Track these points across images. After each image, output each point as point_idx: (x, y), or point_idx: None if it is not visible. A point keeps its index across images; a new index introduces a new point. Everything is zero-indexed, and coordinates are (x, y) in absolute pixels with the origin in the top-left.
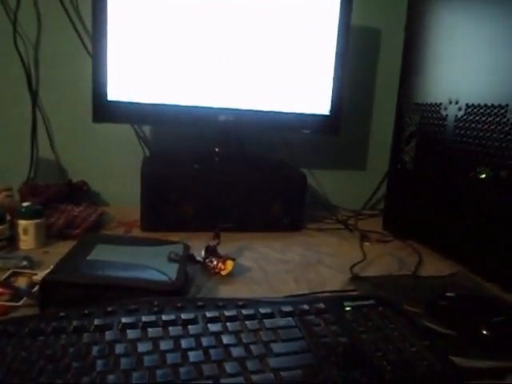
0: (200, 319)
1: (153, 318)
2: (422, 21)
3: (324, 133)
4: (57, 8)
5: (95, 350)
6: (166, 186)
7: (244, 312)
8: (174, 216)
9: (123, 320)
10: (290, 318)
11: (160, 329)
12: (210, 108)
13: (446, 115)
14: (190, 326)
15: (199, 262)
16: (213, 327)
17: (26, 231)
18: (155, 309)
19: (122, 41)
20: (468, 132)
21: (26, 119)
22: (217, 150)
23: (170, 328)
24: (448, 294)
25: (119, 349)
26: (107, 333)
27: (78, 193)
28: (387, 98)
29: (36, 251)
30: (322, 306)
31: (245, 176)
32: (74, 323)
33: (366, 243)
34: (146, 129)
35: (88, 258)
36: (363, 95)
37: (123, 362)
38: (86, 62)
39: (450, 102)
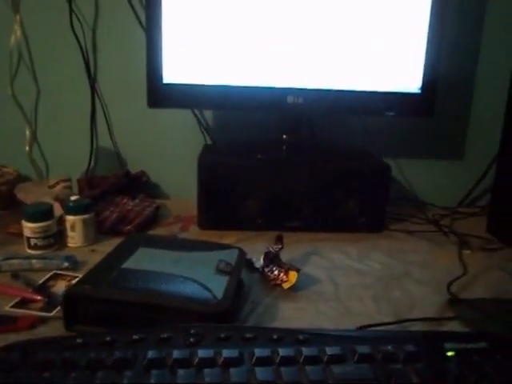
0: (246, 358)
1: (186, 353)
2: None
3: (413, 114)
4: None
5: None
6: (225, 178)
7: (305, 351)
8: (234, 213)
9: (149, 355)
10: (366, 365)
11: (193, 370)
12: (277, 88)
13: None
14: (232, 369)
15: (258, 270)
16: (261, 373)
17: (73, 227)
18: (191, 339)
19: (179, 16)
20: None
21: (84, 106)
22: (284, 137)
23: (205, 370)
24: None
25: None
26: (126, 373)
27: (137, 184)
28: (494, 65)
29: (83, 249)
30: (411, 348)
31: (315, 167)
32: (91, 355)
33: (466, 251)
34: (209, 114)
35: (124, 265)
36: (461, 65)
37: None
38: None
39: None
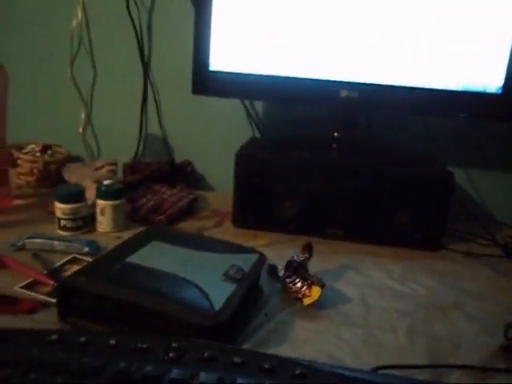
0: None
1: (160, 370)
2: None
3: (491, 118)
4: None
5: None
6: (263, 174)
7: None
8: (271, 213)
9: (119, 366)
10: None
11: None
12: (330, 81)
13: None
14: None
15: (280, 279)
16: None
17: (103, 212)
18: (171, 354)
19: (227, 4)
20: None
21: (137, 91)
22: (336, 134)
23: None
24: None
25: None
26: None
27: (181, 174)
28: None
29: (110, 235)
30: None
31: (366, 171)
32: (59, 355)
33: None
34: (259, 106)
35: (128, 259)
36: None
37: None
38: None
39: None
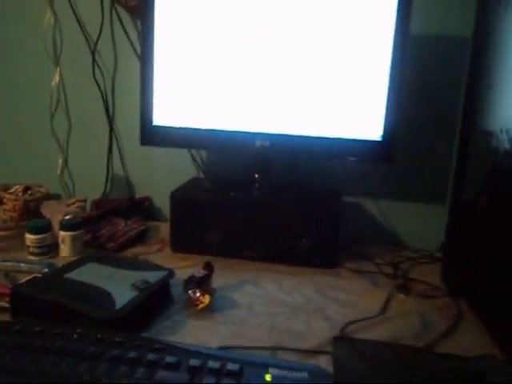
0: (104, 355)
1: (66, 344)
2: (494, 27)
3: (374, 161)
4: (126, 42)
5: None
6: (191, 210)
7: (148, 357)
8: (199, 240)
9: (47, 342)
10: (185, 374)
11: (59, 356)
12: (246, 132)
13: None
14: (85, 363)
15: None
16: (106, 366)
17: (63, 241)
18: (74, 336)
19: (167, 72)
20: None
21: (104, 141)
22: (256, 176)
23: (69, 357)
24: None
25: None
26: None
27: (140, 208)
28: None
29: (70, 259)
30: (236, 367)
31: (275, 206)
32: (23, 339)
33: (401, 295)
34: (202, 152)
35: (66, 275)
36: (422, 117)
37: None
38: None
39: None
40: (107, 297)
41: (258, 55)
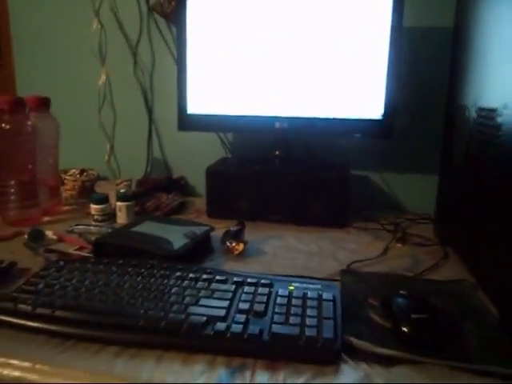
0: (171, 276)
1: (143, 270)
2: (469, 19)
3: (377, 137)
4: (162, 44)
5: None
6: (225, 183)
7: (204, 276)
8: (232, 207)
9: (129, 269)
10: (231, 286)
11: (141, 277)
12: (268, 117)
13: (501, 124)
14: (159, 279)
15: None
16: (175, 281)
17: (120, 209)
18: (148, 264)
19: (198, 68)
20: None
21: (145, 130)
22: (277, 153)
23: (146, 277)
24: (401, 292)
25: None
26: (118, 272)
27: (177, 185)
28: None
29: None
30: (268, 281)
31: (293, 177)
32: (111, 267)
33: (398, 245)
34: (229, 135)
35: (132, 229)
36: (416, 99)
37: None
38: None
39: (505, 107)
40: (166, 241)
41: (274, 51)
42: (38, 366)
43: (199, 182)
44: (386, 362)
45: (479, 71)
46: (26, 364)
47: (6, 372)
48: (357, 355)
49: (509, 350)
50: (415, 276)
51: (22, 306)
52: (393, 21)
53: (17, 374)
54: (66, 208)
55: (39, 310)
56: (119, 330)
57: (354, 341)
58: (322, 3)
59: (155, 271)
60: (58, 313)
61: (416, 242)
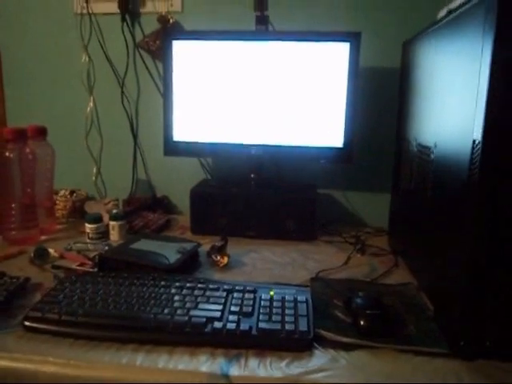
0: (172, 285)
1: (146, 281)
2: (411, 64)
3: (338, 162)
4: (147, 76)
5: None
6: (206, 202)
7: (199, 285)
8: (212, 224)
9: (135, 281)
10: (223, 293)
11: (146, 287)
12: (244, 144)
13: (433, 160)
14: (162, 289)
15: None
16: (176, 290)
17: (113, 228)
18: (150, 277)
19: (183, 101)
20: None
21: (130, 153)
22: (252, 175)
23: (151, 287)
24: (359, 294)
25: (123, 290)
26: (126, 283)
27: (160, 204)
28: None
29: (118, 242)
30: (252, 288)
31: (267, 197)
32: (118, 280)
33: (358, 255)
34: (209, 159)
35: (131, 246)
36: (371, 130)
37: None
38: None
39: (436, 146)
40: (163, 257)
41: (251, 88)
42: (72, 362)
43: (181, 201)
44: (348, 348)
45: (417, 112)
46: (62, 361)
47: (44, 369)
48: (325, 344)
49: (439, 335)
50: (371, 281)
51: (49, 315)
52: (350, 63)
53: (53, 369)
54: (60, 227)
55: (64, 318)
56: (135, 331)
57: (323, 332)
58: (291, 49)
59: (157, 282)
60: (81, 319)
61: (373, 252)
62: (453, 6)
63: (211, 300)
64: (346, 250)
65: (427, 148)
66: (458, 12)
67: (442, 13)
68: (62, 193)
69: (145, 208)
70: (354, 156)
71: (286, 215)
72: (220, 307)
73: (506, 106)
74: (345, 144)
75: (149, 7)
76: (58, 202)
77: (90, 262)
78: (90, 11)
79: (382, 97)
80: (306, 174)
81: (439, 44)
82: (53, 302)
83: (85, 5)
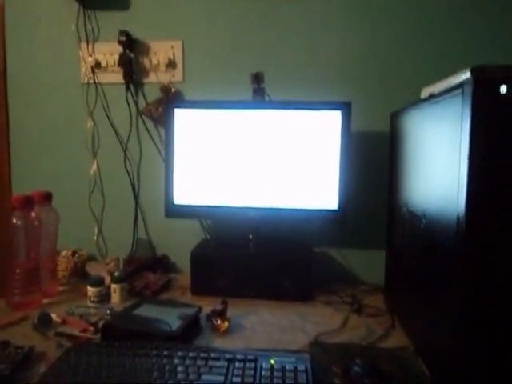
0: (174, 355)
1: (149, 351)
2: (398, 134)
3: (334, 223)
4: (149, 141)
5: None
6: (206, 264)
7: (201, 354)
8: (212, 285)
9: (138, 351)
10: (224, 363)
11: (149, 357)
12: (243, 207)
13: (422, 228)
14: (165, 359)
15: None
16: (178, 361)
17: (115, 291)
18: (153, 346)
19: (184, 166)
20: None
21: (131, 214)
22: (250, 236)
23: (154, 358)
24: (357, 361)
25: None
26: (129, 353)
27: (160, 263)
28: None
29: (120, 305)
30: (253, 356)
31: (264, 258)
32: (122, 350)
33: (354, 316)
34: (208, 220)
35: (133, 312)
36: (365, 194)
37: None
38: None
39: (424, 216)
40: (165, 323)
41: (249, 154)
42: None
43: (180, 260)
44: None
45: (406, 180)
46: None
47: None
48: None
49: None
50: (369, 345)
51: None
52: (342, 130)
53: None
54: (61, 289)
55: None
56: None
57: None
58: (287, 117)
59: (160, 352)
60: None
61: (369, 312)
62: (434, 90)
63: (213, 370)
64: (342, 311)
65: (417, 216)
66: (440, 98)
67: (425, 93)
68: (63, 253)
69: (145, 268)
70: (349, 217)
71: (283, 276)
72: (222, 378)
73: (487, 182)
74: (339, 206)
75: (152, 78)
76: (59, 262)
77: (91, 328)
78: (97, 81)
79: (373, 160)
80: (302, 233)
81: (423, 120)
82: (59, 372)
83: (91, 75)
